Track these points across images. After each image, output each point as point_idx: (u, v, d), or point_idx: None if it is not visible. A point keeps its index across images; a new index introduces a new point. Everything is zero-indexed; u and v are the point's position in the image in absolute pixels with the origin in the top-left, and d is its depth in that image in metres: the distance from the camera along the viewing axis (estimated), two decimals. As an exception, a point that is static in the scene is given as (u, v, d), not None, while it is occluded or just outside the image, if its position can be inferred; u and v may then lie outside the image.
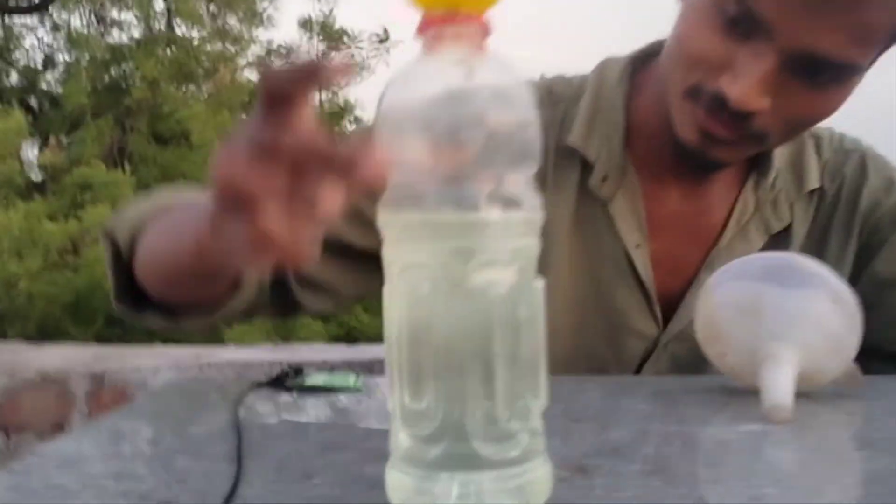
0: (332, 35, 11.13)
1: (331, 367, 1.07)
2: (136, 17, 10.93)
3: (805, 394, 0.58)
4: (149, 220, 0.66)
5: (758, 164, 0.79)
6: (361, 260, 0.72)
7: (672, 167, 0.78)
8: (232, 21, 11.46)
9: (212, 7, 11.11)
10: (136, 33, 11.05)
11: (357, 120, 11.58)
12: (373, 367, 1.08)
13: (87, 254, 6.65)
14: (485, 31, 0.38)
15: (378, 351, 1.18)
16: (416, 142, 0.36)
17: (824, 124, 0.76)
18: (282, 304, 0.75)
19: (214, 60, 10.77)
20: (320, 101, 11.49)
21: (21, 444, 1.15)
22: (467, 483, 0.36)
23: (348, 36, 11.24)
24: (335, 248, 0.73)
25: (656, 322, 0.78)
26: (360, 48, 11.29)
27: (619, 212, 0.77)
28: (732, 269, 0.62)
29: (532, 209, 0.37)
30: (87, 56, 10.38)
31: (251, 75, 11.66)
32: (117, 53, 10.83)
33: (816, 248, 0.79)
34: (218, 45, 10.87)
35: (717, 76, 0.65)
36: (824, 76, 0.65)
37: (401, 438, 0.37)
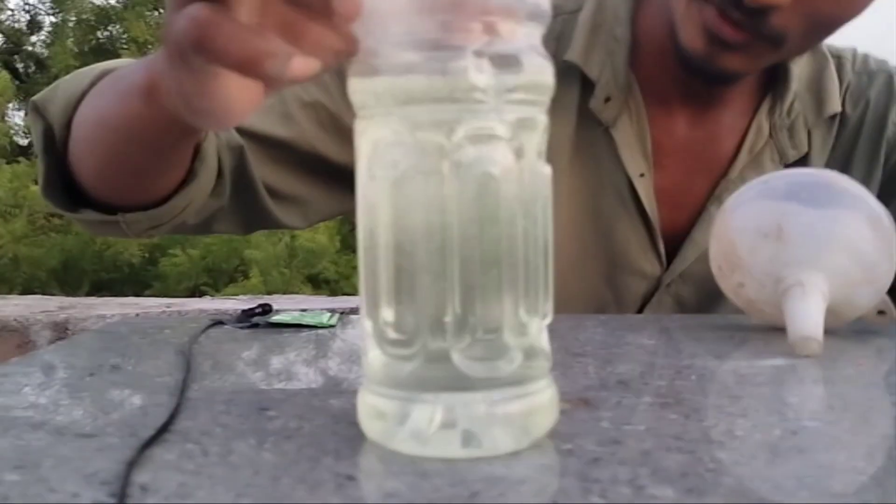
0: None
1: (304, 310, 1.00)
2: (122, -22, 10.75)
3: (829, 330, 0.52)
4: (89, 89, 0.55)
5: (773, 87, 0.72)
6: (337, 176, 0.65)
7: (681, 89, 0.71)
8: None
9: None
10: (123, -4, 10.87)
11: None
12: (354, 313, 1.02)
13: (74, 218, 6.58)
14: None
15: (355, 301, 1.11)
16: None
17: (846, 41, 0.69)
18: (246, 213, 0.67)
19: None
20: None
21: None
22: (452, 407, 0.29)
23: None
24: (310, 162, 0.66)
25: (659, 260, 0.71)
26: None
27: (622, 137, 0.70)
28: (753, 187, 0.55)
29: (537, 71, 0.30)
30: (73, 18, 10.21)
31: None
32: (104, 15, 10.66)
33: (842, 171, 0.72)
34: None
35: None
36: None
37: (372, 357, 0.31)
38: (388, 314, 0.30)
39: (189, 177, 0.55)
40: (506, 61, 0.28)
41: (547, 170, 0.31)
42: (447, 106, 0.28)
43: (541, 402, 0.31)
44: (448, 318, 0.28)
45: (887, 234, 0.52)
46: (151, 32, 9.95)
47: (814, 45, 0.69)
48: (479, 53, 0.28)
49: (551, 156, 0.69)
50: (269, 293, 6.02)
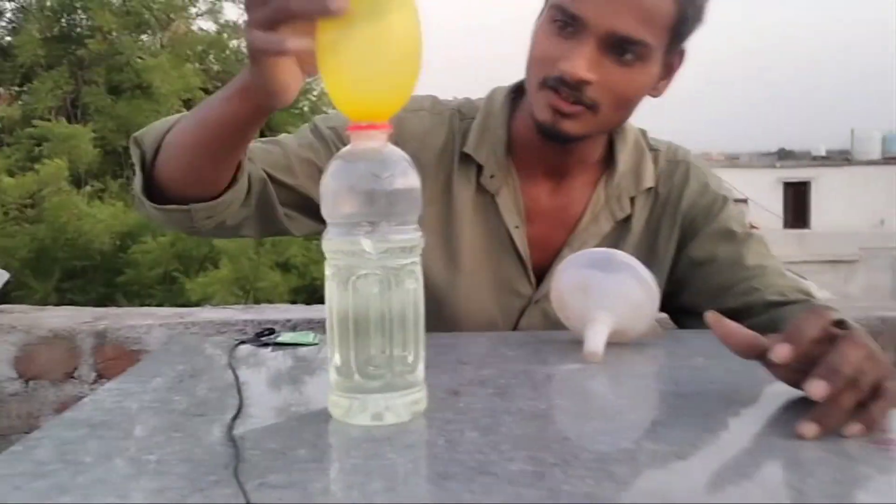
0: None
1: (294, 325, 1.34)
2: (85, -36, 10.73)
3: (620, 344, 0.87)
4: (175, 123, 0.88)
5: (607, 169, 1.06)
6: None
7: (543, 169, 1.05)
8: (184, -31, 11.31)
9: (163, -45, 10.92)
10: (86, -18, 10.84)
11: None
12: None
13: (46, 207, 6.73)
14: (388, 132, 0.63)
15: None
16: (341, 198, 0.62)
17: (662, 134, 1.05)
18: (265, 223, 1.00)
19: (166, 10, 10.67)
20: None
21: (38, 390, 1.40)
22: (371, 401, 0.62)
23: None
24: (304, 198, 0.99)
25: (531, 284, 1.06)
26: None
27: (503, 201, 1.05)
28: (572, 260, 0.89)
29: (402, 241, 0.62)
30: (34, 4, 10.15)
31: (205, 25, 11.54)
32: (66, 2, 10.59)
33: (652, 235, 1.07)
34: (170, -6, 10.74)
35: (556, 65, 0.93)
36: (629, 54, 0.93)
37: (333, 376, 0.64)
38: (340, 354, 0.63)
39: (232, 183, 0.89)
40: (383, 237, 0.61)
41: (413, 286, 0.64)
42: (352, 258, 0.61)
43: (416, 398, 0.64)
44: (373, 358, 0.62)
45: (649, 286, 0.87)
46: (117, 21, 9.98)
47: (622, 114, 1.00)
48: (367, 234, 0.61)
49: (461, 213, 1.04)
50: (238, 279, 6.30)
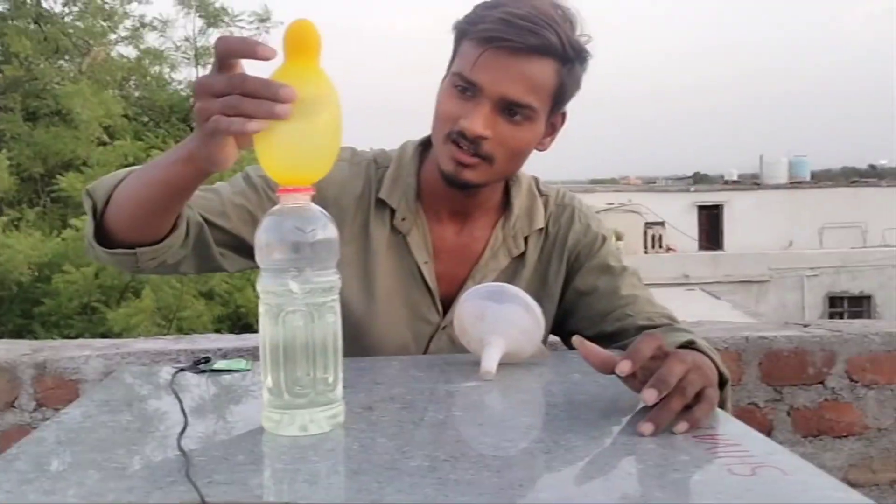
0: (210, 13, 11.08)
1: (225, 354, 1.45)
2: (0, -12, 10.52)
3: (513, 364, 1.02)
4: (124, 177, 1.01)
5: (505, 212, 1.22)
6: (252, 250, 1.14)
7: (449, 212, 1.21)
8: (104, -6, 11.19)
9: (82, -20, 10.78)
10: (1, 6, 10.62)
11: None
12: (257, 352, 1.47)
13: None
14: (310, 193, 0.77)
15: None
16: (272, 248, 0.75)
17: (553, 181, 1.22)
18: (201, 261, 1.12)
19: (86, 36, 10.54)
20: (197, 78, 11.40)
21: (-22, 419, 1.47)
22: (298, 416, 0.76)
23: (227, 14, 11.22)
24: (237, 240, 1.13)
25: (438, 313, 1.21)
26: (241, 27, 11.30)
27: (413, 240, 1.20)
28: (470, 293, 1.04)
29: (323, 283, 0.76)
30: (-54, 28, 9.83)
31: (125, 51, 11.43)
32: (-21, 28, 10.28)
33: (543, 269, 1.24)
34: (89, 20, 10.61)
35: (458, 122, 1.09)
36: (518, 115, 1.10)
37: (266, 395, 0.77)
38: (271, 376, 0.76)
39: (173, 229, 1.02)
40: (307, 280, 0.75)
41: (332, 319, 0.78)
42: (281, 298, 0.75)
43: (335, 412, 0.78)
44: (300, 379, 0.75)
45: (536, 314, 1.02)
46: (33, 47, 9.79)
47: (514, 165, 1.17)
48: (293, 278, 0.75)
49: (377, 253, 1.20)
50: (160, 309, 6.28)
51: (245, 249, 1.13)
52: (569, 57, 1.10)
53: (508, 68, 1.07)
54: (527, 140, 1.13)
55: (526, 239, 1.24)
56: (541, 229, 1.25)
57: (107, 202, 1.01)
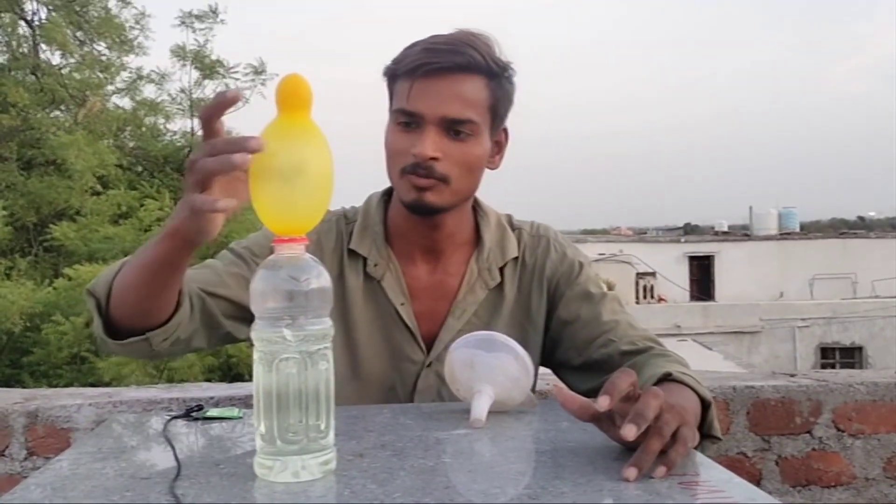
0: (206, 65, 11.26)
1: (217, 402, 1.46)
2: (-2, 40, 10.68)
3: (502, 412, 1.03)
4: (120, 268, 1.05)
5: (477, 246, 1.27)
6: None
7: (420, 251, 1.25)
8: (101, 47, 11.38)
9: (79, 33, 10.96)
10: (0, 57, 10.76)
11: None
12: (249, 401, 1.48)
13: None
14: (305, 243, 0.80)
15: (252, 387, 1.57)
16: (267, 296, 0.77)
17: (518, 212, 1.31)
18: (211, 333, 1.16)
19: (82, 87, 10.68)
20: (192, 128, 11.55)
21: (-33, 468, 1.46)
22: (290, 462, 0.77)
23: (223, 66, 11.39)
24: (239, 306, 1.15)
25: (422, 351, 1.24)
26: (236, 79, 11.47)
27: (388, 284, 1.24)
28: (461, 341, 1.06)
29: (316, 331, 0.78)
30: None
31: (121, 102, 11.56)
32: (-23, 78, 10.40)
33: (525, 300, 1.27)
34: (86, 72, 10.76)
35: (408, 153, 1.14)
36: (462, 132, 1.15)
37: (259, 442, 0.78)
38: (265, 423, 0.78)
39: (177, 308, 1.05)
40: (301, 327, 0.77)
41: (324, 366, 0.79)
42: (274, 345, 0.77)
43: (327, 458, 0.79)
44: (293, 427, 0.77)
45: (525, 362, 1.04)
46: (30, 97, 9.90)
47: (470, 182, 1.20)
48: (287, 326, 0.77)
49: (353, 301, 1.24)
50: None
51: (249, 317, 1.17)
52: (494, 72, 1.17)
53: (441, 90, 1.14)
54: (476, 155, 1.18)
55: (501, 271, 1.27)
56: (515, 259, 1.28)
57: (108, 296, 1.04)
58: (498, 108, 1.19)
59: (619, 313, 1.25)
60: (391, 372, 1.23)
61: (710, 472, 0.82)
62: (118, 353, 1.07)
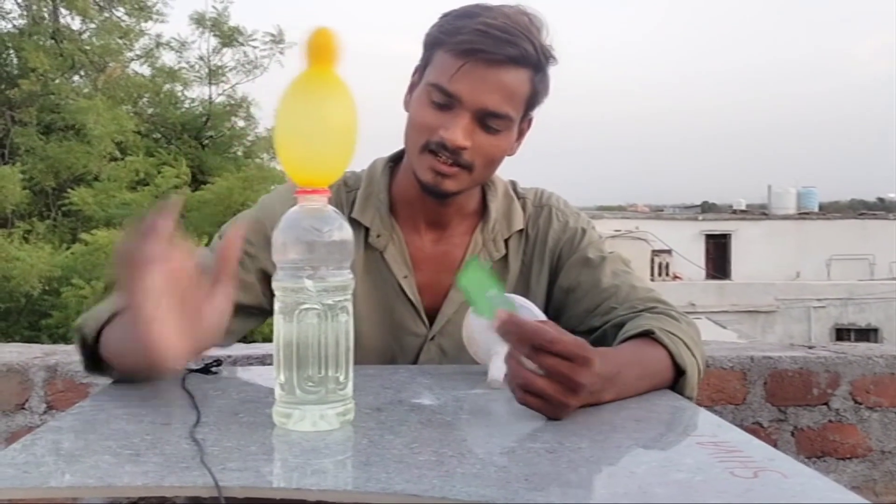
0: (224, 32, 11.23)
1: (234, 361, 1.47)
2: (18, 4, 10.69)
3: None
4: (106, 320, 0.96)
5: (483, 217, 1.24)
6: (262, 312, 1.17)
7: (425, 222, 1.23)
8: (120, 13, 11.38)
9: (100, -2, 10.93)
10: (19, 21, 10.77)
11: (250, 116, 11.66)
12: (265, 360, 1.49)
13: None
14: (327, 195, 0.79)
15: (269, 347, 1.58)
16: (289, 247, 0.77)
17: (529, 182, 1.27)
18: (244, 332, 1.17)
19: (102, 53, 10.70)
20: (210, 96, 11.53)
21: (-11, 420, 1.48)
22: (308, 411, 0.77)
23: (242, 34, 11.37)
24: (248, 309, 1.15)
25: (424, 324, 1.22)
26: (254, 47, 11.45)
27: (390, 256, 1.21)
28: (479, 300, 1.06)
29: (337, 282, 0.78)
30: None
31: (140, 69, 11.56)
32: (-1, 42, 10.43)
33: (527, 271, 1.25)
34: (106, 38, 10.76)
35: (437, 132, 1.10)
36: (495, 125, 1.11)
37: (278, 391, 0.79)
38: (282, 377, 0.78)
39: None
40: (322, 278, 0.77)
41: (344, 318, 0.80)
42: (297, 295, 0.77)
43: (346, 409, 0.79)
44: (313, 377, 0.77)
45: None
46: (50, 62, 9.93)
47: (490, 171, 1.18)
48: (308, 277, 0.77)
49: (354, 272, 1.20)
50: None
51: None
52: (542, 65, 1.13)
53: (487, 79, 1.09)
54: (503, 148, 1.15)
55: (506, 242, 1.25)
56: (521, 231, 1.26)
57: (98, 336, 0.98)
58: (535, 100, 1.15)
59: (619, 276, 1.21)
60: (392, 345, 1.21)
61: (729, 434, 0.82)
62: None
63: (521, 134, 1.20)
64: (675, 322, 1.08)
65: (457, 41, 1.09)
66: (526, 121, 1.19)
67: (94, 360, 1.00)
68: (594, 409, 0.88)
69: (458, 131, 1.09)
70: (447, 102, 1.10)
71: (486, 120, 1.11)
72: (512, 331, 0.83)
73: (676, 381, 1.00)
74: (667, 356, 1.00)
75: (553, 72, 1.16)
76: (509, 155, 1.19)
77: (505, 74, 1.09)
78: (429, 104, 1.12)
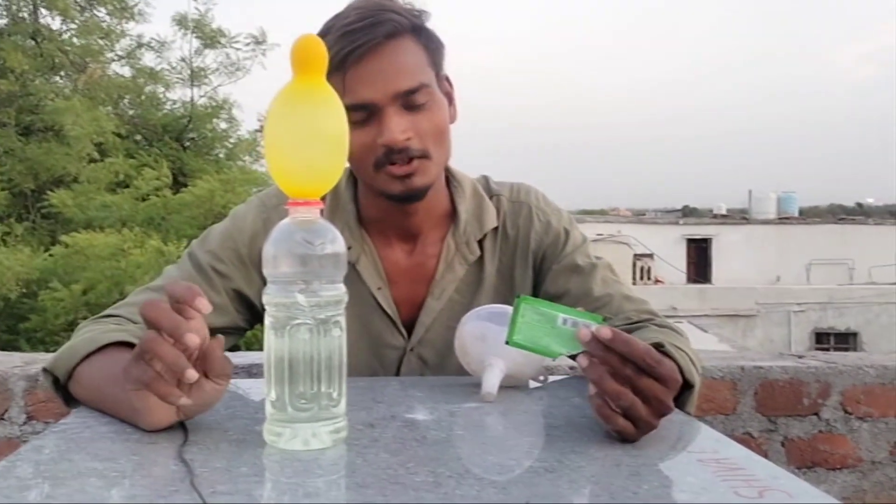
0: (207, 34, 11.15)
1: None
2: (-3, 4, 10.55)
3: (513, 387, 1.02)
4: (80, 361, 0.95)
5: (453, 220, 1.21)
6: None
7: (396, 235, 1.19)
8: (101, 13, 11.26)
9: (80, -2, 10.82)
10: (-1, 21, 10.64)
11: (232, 118, 11.58)
12: (250, 370, 1.46)
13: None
14: (319, 207, 0.77)
15: (255, 356, 1.55)
16: (280, 260, 0.75)
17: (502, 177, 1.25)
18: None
19: (82, 54, 10.58)
20: (192, 97, 11.45)
21: (-34, 431, 1.45)
22: (300, 430, 0.75)
23: (224, 35, 11.29)
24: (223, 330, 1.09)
25: (402, 336, 1.19)
26: (237, 48, 11.38)
27: (363, 268, 1.18)
28: (472, 313, 1.04)
29: (330, 296, 0.76)
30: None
31: (120, 70, 11.45)
32: (-24, 42, 10.30)
33: (508, 274, 1.22)
34: (87, 38, 10.65)
35: (376, 145, 1.07)
36: (418, 100, 1.08)
37: (269, 409, 0.76)
38: (275, 390, 0.76)
39: None
40: (314, 293, 0.75)
41: (337, 333, 0.77)
42: (288, 310, 0.75)
43: (338, 427, 0.77)
44: (303, 393, 0.75)
45: (537, 336, 1.02)
46: (29, 62, 9.81)
47: (445, 147, 1.12)
48: (300, 291, 0.74)
49: None
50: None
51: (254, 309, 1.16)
52: (417, 25, 1.10)
53: (380, 67, 1.06)
54: (441, 118, 1.12)
55: (481, 244, 1.21)
56: (495, 229, 1.22)
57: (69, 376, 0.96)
58: (435, 59, 1.12)
59: (611, 285, 1.18)
60: (372, 359, 1.19)
61: (729, 450, 0.80)
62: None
63: (450, 99, 1.16)
64: (679, 336, 1.06)
65: (334, 61, 1.00)
66: (443, 81, 1.15)
67: (67, 396, 0.98)
68: (592, 425, 0.87)
69: (391, 130, 1.06)
70: (365, 115, 1.07)
71: (407, 102, 1.07)
72: (619, 348, 0.79)
73: (679, 395, 0.99)
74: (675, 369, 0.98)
75: (431, 23, 1.13)
76: (452, 122, 1.15)
77: (391, 52, 1.07)
78: (354, 128, 1.03)
